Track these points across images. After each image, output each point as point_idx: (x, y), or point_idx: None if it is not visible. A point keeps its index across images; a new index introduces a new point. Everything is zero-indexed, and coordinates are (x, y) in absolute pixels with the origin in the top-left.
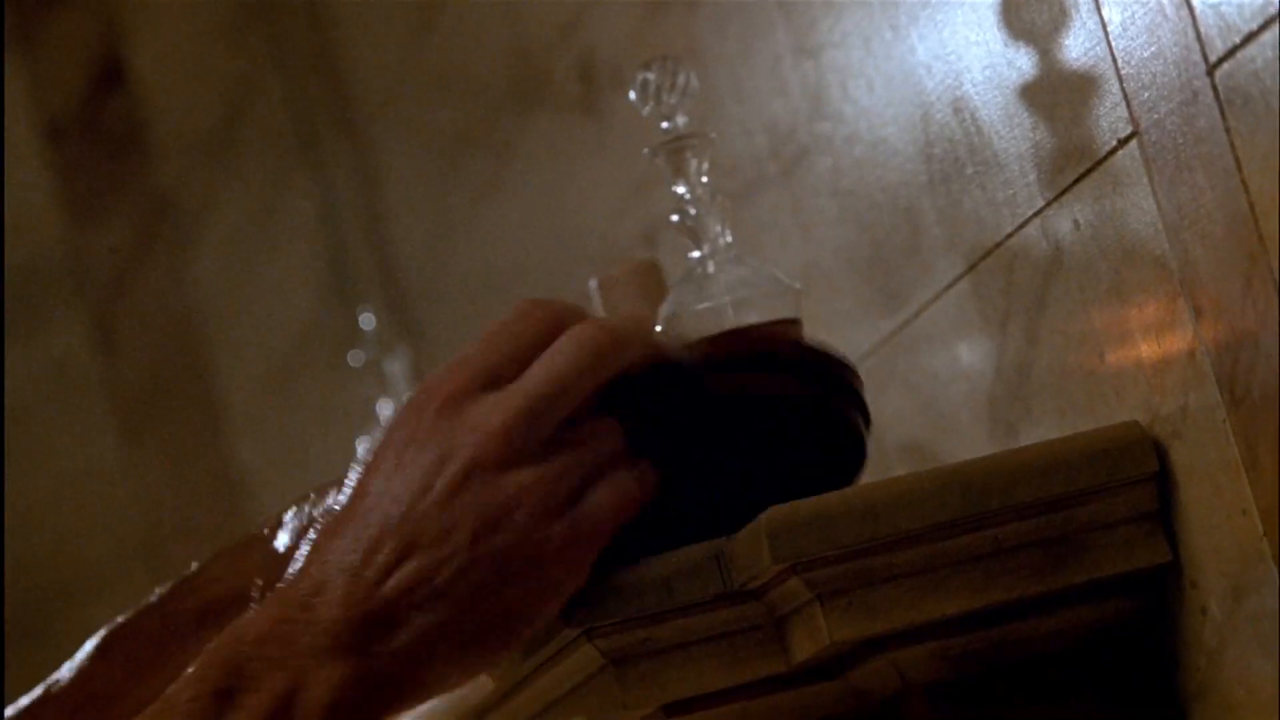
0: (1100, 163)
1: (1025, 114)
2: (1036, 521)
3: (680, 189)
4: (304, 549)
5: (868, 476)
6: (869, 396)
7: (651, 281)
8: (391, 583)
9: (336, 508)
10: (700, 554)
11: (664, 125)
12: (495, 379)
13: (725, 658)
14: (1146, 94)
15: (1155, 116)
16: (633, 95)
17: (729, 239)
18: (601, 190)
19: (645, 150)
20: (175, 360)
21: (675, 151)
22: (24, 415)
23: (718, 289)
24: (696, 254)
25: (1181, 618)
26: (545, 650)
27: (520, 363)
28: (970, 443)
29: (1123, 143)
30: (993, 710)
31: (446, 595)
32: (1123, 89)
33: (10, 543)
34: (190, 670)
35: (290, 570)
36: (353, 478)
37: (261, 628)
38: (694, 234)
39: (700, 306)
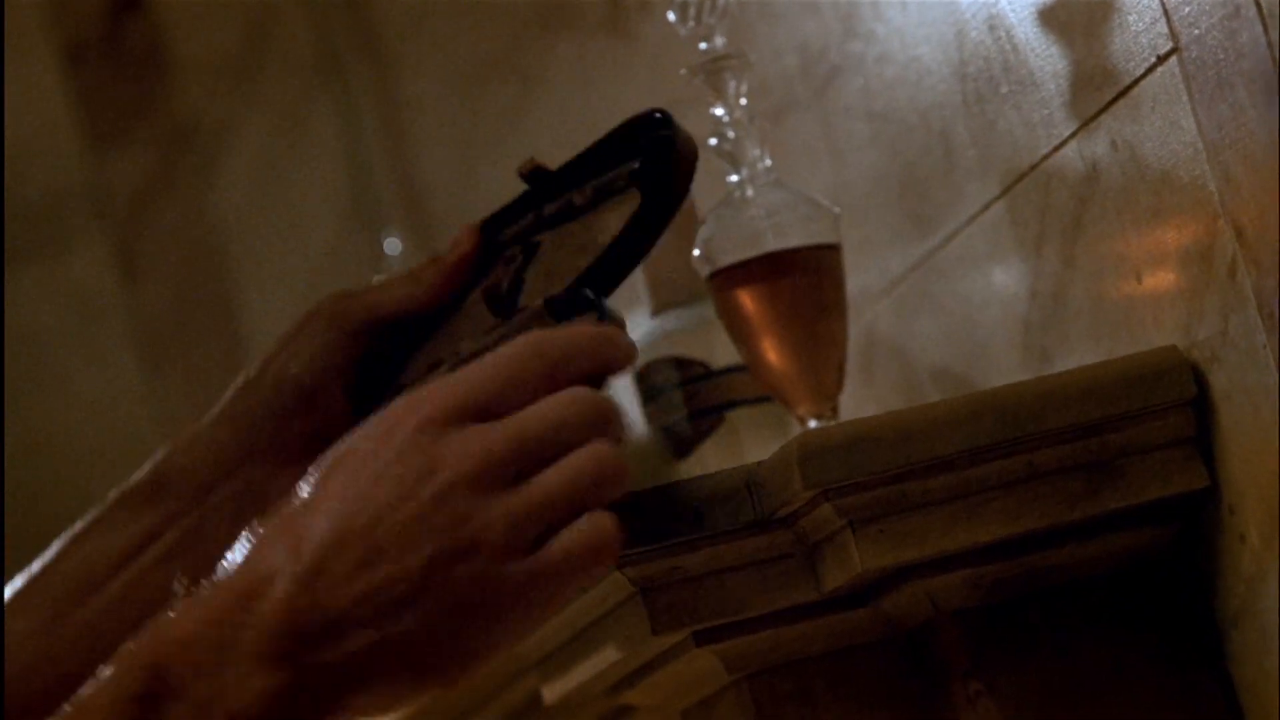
0: (1139, 81)
1: (1062, 31)
2: (1072, 447)
3: (718, 111)
4: (242, 546)
5: (901, 402)
6: (900, 321)
7: (683, 206)
8: (342, 592)
9: (284, 507)
10: (731, 480)
11: (702, 46)
12: (483, 413)
13: (756, 585)
14: (1187, 9)
15: (1196, 32)
16: (671, 16)
17: (768, 162)
18: (629, 114)
19: (683, 71)
20: (198, 286)
21: (714, 73)
22: (45, 342)
23: (756, 212)
24: (735, 177)
25: (1219, 544)
26: None
27: (513, 405)
28: (1004, 368)
29: (1162, 59)
30: (1025, 638)
31: (395, 615)
32: (1162, 4)
33: (27, 469)
34: (107, 672)
35: (224, 567)
36: (309, 477)
37: (188, 629)
38: (732, 157)
39: (737, 230)
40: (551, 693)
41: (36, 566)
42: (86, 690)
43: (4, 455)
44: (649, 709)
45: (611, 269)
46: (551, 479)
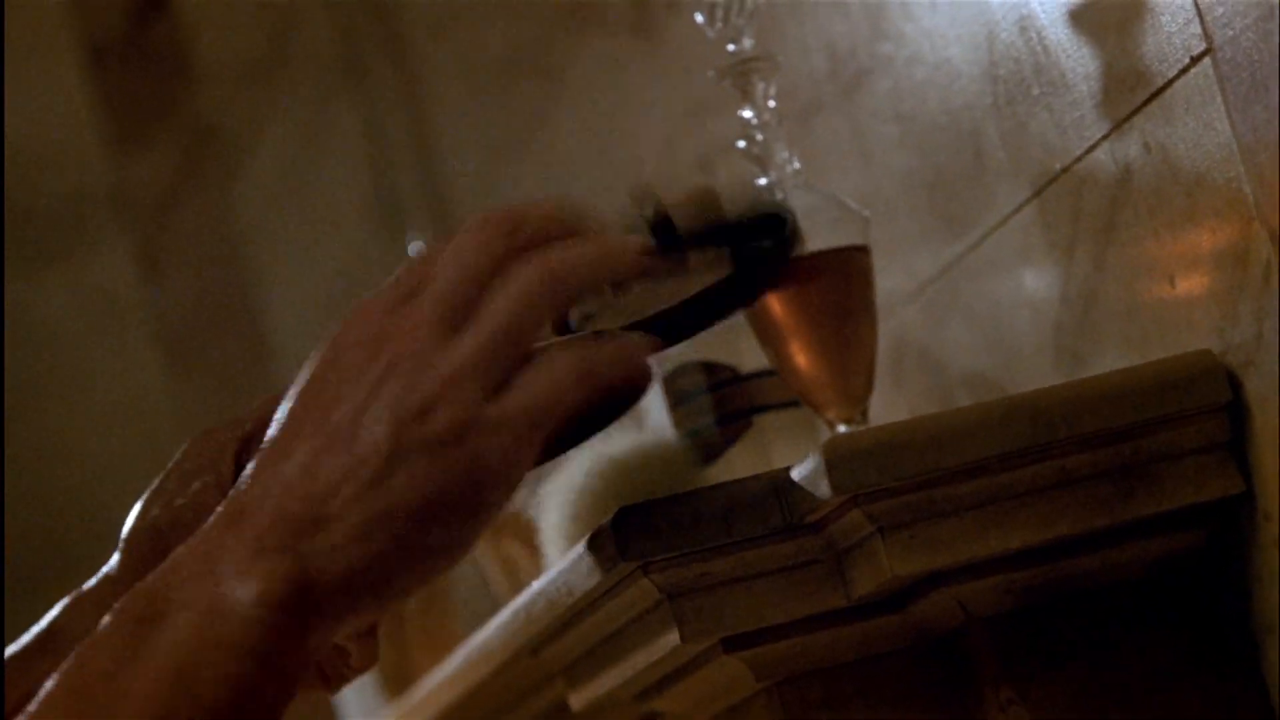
0: (1172, 82)
1: (1094, 32)
2: (1105, 452)
3: (746, 113)
4: (238, 488)
5: (931, 407)
6: (930, 324)
7: None
8: (317, 483)
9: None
10: (759, 486)
11: (730, 47)
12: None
13: (784, 592)
14: (1221, 9)
15: (1230, 33)
16: (699, 17)
17: (796, 165)
18: (655, 114)
19: (710, 73)
20: (221, 288)
21: (742, 74)
22: (67, 343)
23: None
24: (763, 180)
25: (1254, 550)
26: (601, 583)
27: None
28: (1035, 372)
29: (1195, 61)
30: (1058, 644)
31: (377, 488)
32: (1196, 4)
33: (49, 472)
34: (108, 617)
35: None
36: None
37: (180, 554)
38: (760, 160)
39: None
40: (578, 700)
41: None
42: (93, 633)
43: (4, 456)
44: (677, 716)
45: (680, 322)
46: (497, 306)
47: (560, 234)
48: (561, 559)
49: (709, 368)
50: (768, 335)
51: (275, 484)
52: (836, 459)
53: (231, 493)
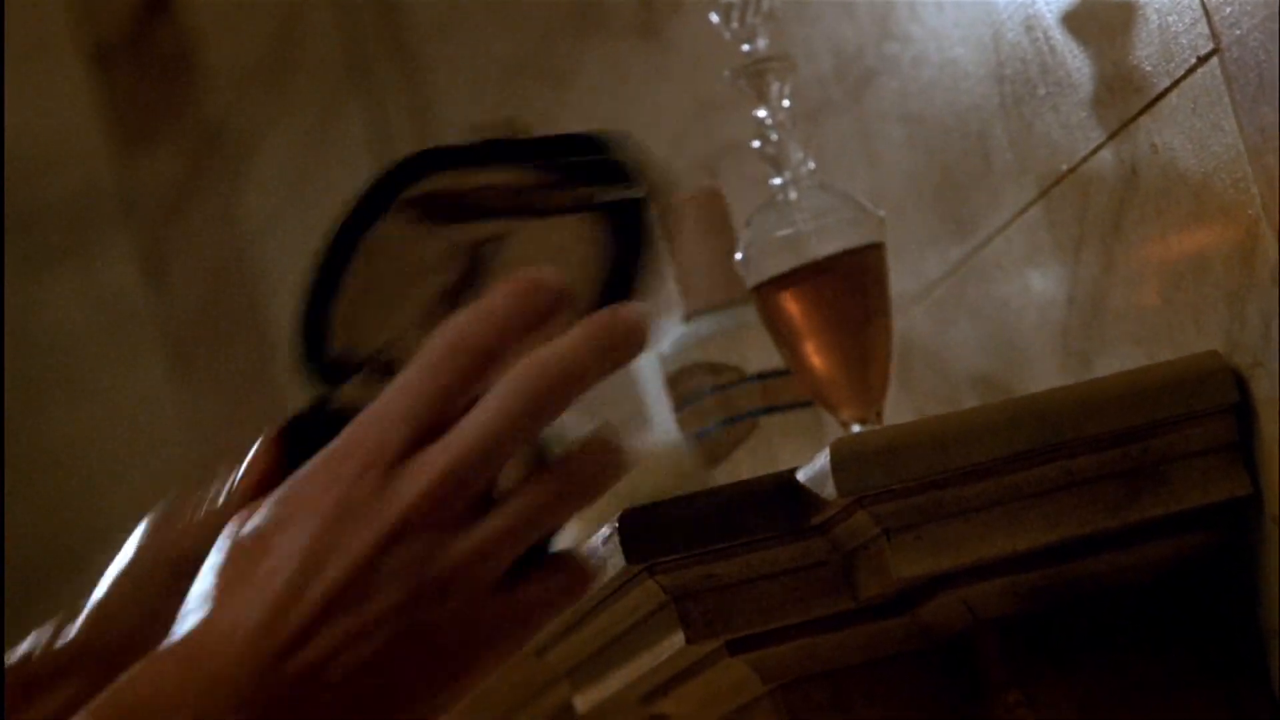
0: (1179, 82)
1: (1100, 32)
2: (1112, 453)
3: (761, 113)
4: (199, 597)
5: (938, 408)
6: (937, 325)
7: (715, 209)
8: (306, 653)
9: (217, 576)
10: (765, 487)
11: (744, 48)
12: (425, 436)
13: (791, 593)
14: (1228, 9)
15: (1237, 33)
16: (714, 17)
17: (811, 165)
18: (662, 117)
19: (726, 73)
20: (226, 290)
21: (757, 75)
22: (73, 346)
23: (800, 216)
24: (778, 180)
25: (1262, 554)
26: (607, 585)
27: (456, 411)
28: (1042, 374)
29: (1202, 60)
30: (1065, 647)
31: (366, 669)
32: (1203, 4)
33: (52, 475)
34: None
35: (179, 623)
36: (249, 530)
37: (142, 684)
38: (775, 160)
39: (781, 234)
40: (584, 701)
41: None
42: None
43: (5, 459)
44: (682, 718)
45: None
46: (517, 504)
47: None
48: None
49: (714, 368)
50: (784, 335)
51: (247, 625)
52: (843, 460)
53: (205, 594)
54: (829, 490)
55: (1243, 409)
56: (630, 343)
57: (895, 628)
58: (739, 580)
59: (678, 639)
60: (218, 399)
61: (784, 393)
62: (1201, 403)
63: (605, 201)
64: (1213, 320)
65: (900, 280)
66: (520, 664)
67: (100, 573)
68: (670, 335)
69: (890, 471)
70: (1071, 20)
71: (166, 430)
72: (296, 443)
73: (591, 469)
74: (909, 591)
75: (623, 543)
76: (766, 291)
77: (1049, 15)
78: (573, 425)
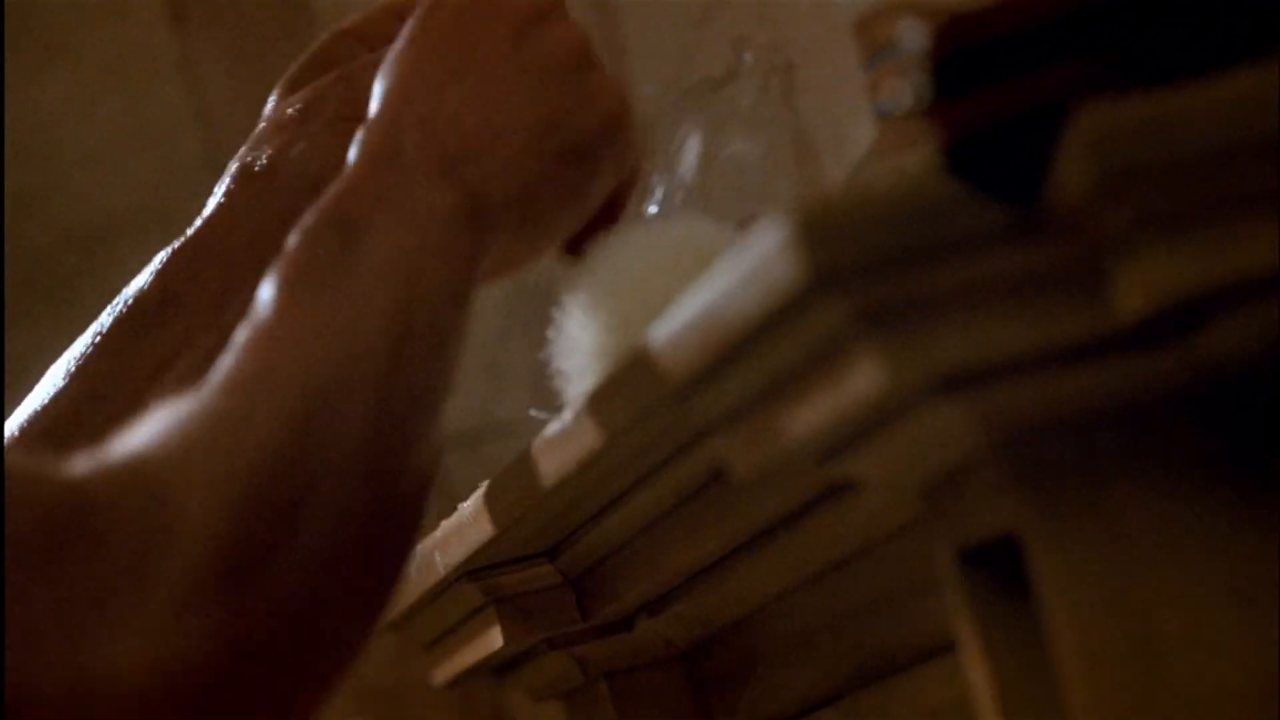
0: None
1: None
2: None
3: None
4: (378, 96)
5: None
6: None
7: None
8: (470, 120)
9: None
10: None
11: None
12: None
13: (1023, 313)
14: None
15: None
16: None
17: None
18: None
19: None
20: None
21: None
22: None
23: None
24: None
25: None
26: (776, 305)
27: None
28: None
29: None
30: None
31: (532, 147)
32: None
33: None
34: (294, 236)
35: (364, 129)
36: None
37: (352, 182)
38: None
39: None
40: (744, 461)
41: (32, 405)
42: (288, 249)
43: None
44: (875, 482)
45: None
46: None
47: None
48: (719, 274)
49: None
50: None
51: (430, 120)
52: (1101, 132)
53: (368, 132)
54: (1078, 173)
55: None
56: None
57: (1164, 359)
58: (952, 295)
59: (871, 375)
60: (227, 60)
61: None
62: None
63: None
64: None
65: None
66: (651, 413)
67: (81, 294)
68: None
69: (1162, 146)
70: None
71: (168, 107)
72: None
73: None
74: (1184, 310)
75: (801, 248)
76: None
77: None
78: None
